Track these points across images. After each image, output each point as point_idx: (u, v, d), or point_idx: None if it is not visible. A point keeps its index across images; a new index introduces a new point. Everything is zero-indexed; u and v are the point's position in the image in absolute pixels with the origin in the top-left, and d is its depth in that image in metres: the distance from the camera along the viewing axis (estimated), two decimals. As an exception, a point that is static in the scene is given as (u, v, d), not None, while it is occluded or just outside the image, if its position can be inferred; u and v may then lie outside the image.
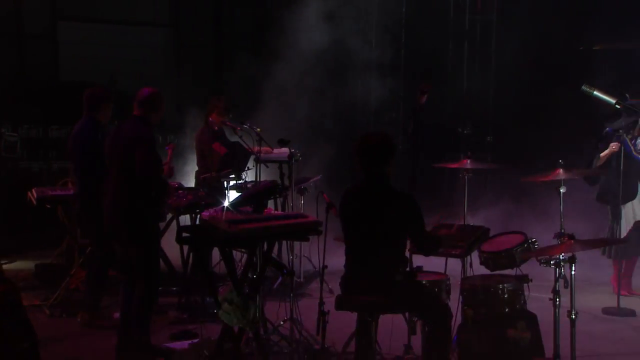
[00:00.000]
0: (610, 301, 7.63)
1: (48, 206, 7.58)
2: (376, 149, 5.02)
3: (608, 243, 5.95)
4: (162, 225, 7.10)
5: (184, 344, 6.13)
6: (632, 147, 7.89)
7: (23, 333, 4.96)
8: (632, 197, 7.87)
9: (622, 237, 7.72)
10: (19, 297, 5.10)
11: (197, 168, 8.50)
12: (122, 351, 5.97)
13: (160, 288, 7.06)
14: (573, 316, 5.03)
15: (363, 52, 12.22)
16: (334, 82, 11.58)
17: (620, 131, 7.75)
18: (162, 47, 13.35)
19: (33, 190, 7.60)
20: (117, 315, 6.33)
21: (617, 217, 7.80)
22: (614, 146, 7.65)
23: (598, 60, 10.91)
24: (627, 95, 7.43)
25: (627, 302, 7.64)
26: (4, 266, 9.05)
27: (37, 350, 5.00)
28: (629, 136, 7.88)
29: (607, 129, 8.00)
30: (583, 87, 4.60)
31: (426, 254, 5.20)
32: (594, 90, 4.55)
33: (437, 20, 12.76)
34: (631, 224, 7.90)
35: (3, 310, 4.89)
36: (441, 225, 5.78)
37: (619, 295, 7.59)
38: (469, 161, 6.43)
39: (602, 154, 7.85)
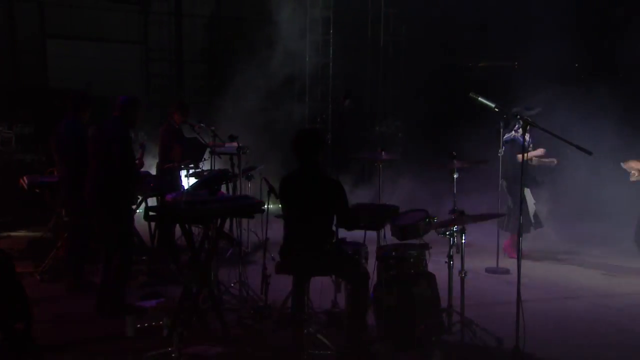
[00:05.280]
0: (491, 262, 7.79)
1: (37, 190, 7.38)
2: (308, 143, 4.96)
3: (489, 217, 5.98)
4: (133, 206, 6.95)
5: (152, 302, 6.06)
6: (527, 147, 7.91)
7: (17, 295, 4.85)
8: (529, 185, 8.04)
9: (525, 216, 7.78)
10: (14, 265, 4.96)
11: (157, 160, 8.34)
12: (100, 309, 5.86)
13: (132, 257, 6.91)
14: (463, 275, 5.14)
15: (301, 68, 12.21)
16: (274, 95, 11.54)
17: (520, 137, 7.83)
18: (133, 60, 13.33)
19: (25, 178, 7.38)
20: (97, 280, 6.17)
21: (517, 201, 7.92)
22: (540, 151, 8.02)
23: (486, 74, 11.13)
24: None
25: (503, 263, 7.79)
26: (0, 240, 8.85)
27: (29, 309, 4.89)
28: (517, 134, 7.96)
29: (506, 137, 7.99)
30: (470, 94, 4.63)
31: (348, 229, 5.16)
32: (478, 97, 4.59)
33: (358, 41, 12.81)
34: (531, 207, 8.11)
35: (0, 276, 4.77)
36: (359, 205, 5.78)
37: (498, 257, 7.75)
38: (383, 153, 6.43)
39: (532, 155, 8.00)
